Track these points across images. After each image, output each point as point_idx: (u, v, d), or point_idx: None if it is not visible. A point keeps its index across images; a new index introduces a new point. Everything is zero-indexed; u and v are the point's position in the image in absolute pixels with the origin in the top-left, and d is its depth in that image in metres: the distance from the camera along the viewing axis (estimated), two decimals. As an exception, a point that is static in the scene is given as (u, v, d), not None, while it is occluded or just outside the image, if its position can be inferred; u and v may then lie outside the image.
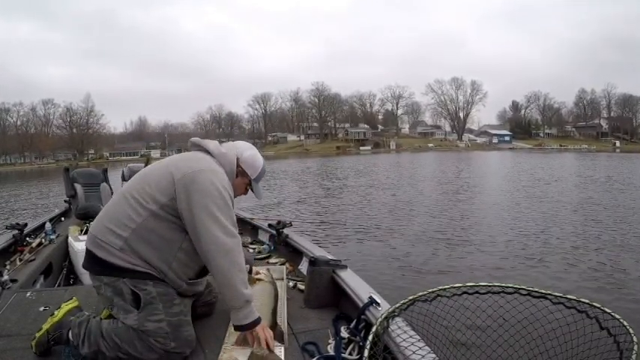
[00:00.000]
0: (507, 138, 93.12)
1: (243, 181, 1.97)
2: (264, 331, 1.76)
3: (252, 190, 2.02)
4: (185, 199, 1.69)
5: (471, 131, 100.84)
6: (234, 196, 1.94)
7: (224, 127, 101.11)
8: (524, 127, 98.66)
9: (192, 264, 1.84)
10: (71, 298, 2.04)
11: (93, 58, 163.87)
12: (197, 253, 1.78)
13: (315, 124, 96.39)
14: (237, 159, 1.95)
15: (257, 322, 1.76)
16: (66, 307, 1.94)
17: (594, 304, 1.53)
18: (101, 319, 1.85)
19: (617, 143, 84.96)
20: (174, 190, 1.71)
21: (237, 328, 1.76)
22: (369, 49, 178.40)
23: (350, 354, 1.84)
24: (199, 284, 1.99)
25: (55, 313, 1.92)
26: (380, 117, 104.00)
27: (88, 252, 1.81)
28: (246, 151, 2.01)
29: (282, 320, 2.09)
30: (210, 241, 1.68)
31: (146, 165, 4.70)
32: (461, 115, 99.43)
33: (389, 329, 1.67)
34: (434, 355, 1.49)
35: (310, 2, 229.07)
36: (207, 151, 1.91)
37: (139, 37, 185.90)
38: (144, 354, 1.69)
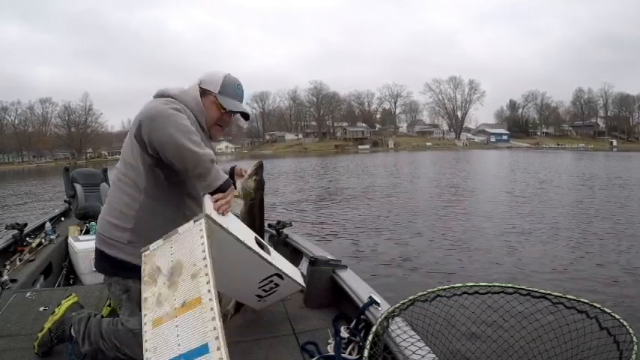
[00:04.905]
0: (505, 137, 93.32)
1: (210, 100, 1.78)
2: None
3: (223, 107, 1.78)
4: (144, 130, 1.54)
5: (468, 130, 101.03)
6: (212, 124, 1.81)
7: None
8: (521, 125, 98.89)
9: None
10: (70, 295, 2.03)
11: (87, 58, 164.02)
12: None
13: (314, 123, 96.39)
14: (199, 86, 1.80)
15: (229, 183, 1.59)
16: (66, 303, 1.94)
17: (594, 304, 1.54)
18: (102, 316, 1.84)
19: (615, 142, 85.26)
20: (135, 142, 1.61)
21: (213, 192, 1.55)
22: (365, 49, 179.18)
23: (350, 354, 1.85)
24: None
25: (56, 310, 1.91)
26: (378, 116, 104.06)
27: (98, 251, 1.73)
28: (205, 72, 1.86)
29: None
30: (163, 134, 1.49)
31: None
32: (459, 114, 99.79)
33: (389, 329, 1.67)
34: (434, 355, 1.50)
35: (305, 1, 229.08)
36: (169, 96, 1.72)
37: (132, 37, 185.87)
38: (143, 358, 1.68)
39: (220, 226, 1.44)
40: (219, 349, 1.10)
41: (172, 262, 1.34)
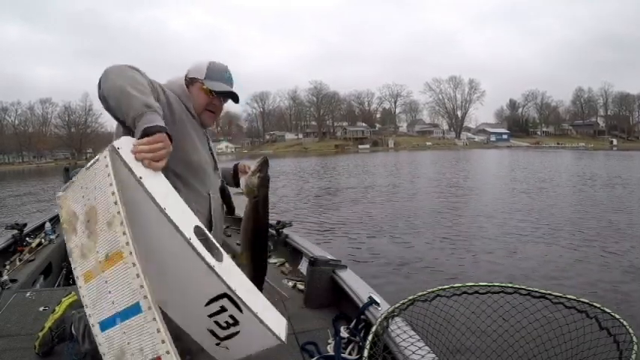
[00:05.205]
0: (505, 136, 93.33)
1: (197, 87, 1.76)
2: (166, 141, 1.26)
3: (210, 91, 1.75)
4: (102, 84, 1.43)
5: (468, 129, 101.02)
6: (202, 110, 1.78)
7: (222, 125, 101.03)
8: (521, 125, 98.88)
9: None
10: (70, 293, 2.03)
11: (87, 58, 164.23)
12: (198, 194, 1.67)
13: (314, 123, 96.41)
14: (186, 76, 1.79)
15: (159, 129, 1.27)
16: (67, 301, 1.94)
17: (594, 303, 1.53)
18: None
19: (615, 141, 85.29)
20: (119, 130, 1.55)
21: (142, 135, 1.25)
22: (365, 49, 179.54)
23: (350, 354, 1.85)
24: None
25: (56, 309, 1.92)
26: (378, 116, 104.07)
27: None
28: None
29: None
30: (111, 83, 1.38)
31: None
32: (459, 113, 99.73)
33: (389, 329, 1.67)
34: (433, 355, 1.50)
35: (305, 1, 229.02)
36: None
37: (132, 37, 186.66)
38: None
39: (128, 166, 1.12)
40: (150, 308, 1.03)
41: (86, 206, 1.14)
